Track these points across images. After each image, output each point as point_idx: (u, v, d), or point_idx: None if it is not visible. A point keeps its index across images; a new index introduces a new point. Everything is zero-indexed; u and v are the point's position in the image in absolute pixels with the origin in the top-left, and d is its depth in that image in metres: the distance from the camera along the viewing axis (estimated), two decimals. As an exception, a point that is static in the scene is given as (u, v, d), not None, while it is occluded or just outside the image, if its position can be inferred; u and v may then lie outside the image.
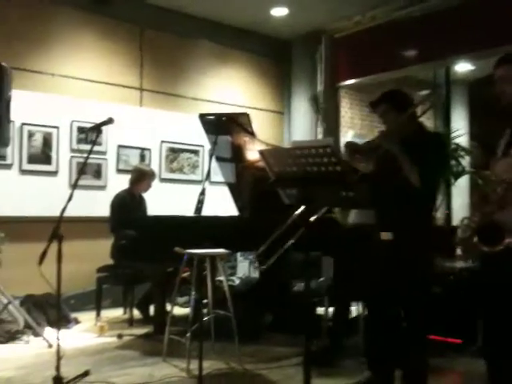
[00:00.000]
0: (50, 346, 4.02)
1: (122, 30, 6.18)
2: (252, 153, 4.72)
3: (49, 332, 4.36)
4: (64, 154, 5.64)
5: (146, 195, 5.26)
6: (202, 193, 4.18)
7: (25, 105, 5.22)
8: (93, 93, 5.91)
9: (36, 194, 5.39)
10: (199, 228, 4.01)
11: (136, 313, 4.96)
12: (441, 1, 5.94)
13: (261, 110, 7.26)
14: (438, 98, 7.53)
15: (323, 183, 2.34)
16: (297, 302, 4.60)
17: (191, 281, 3.87)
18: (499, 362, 2.51)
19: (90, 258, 5.13)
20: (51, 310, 4.64)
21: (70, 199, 3.15)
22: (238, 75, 7.20)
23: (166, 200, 5.78)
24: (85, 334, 4.59)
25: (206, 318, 3.67)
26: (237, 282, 5.70)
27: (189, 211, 4.38)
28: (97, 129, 3.55)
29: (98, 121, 3.59)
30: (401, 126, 2.96)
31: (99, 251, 5.09)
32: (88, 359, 3.81)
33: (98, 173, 5.84)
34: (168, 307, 4.56)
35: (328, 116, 7.19)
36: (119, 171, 5.95)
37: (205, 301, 3.81)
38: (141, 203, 5.18)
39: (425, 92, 7.06)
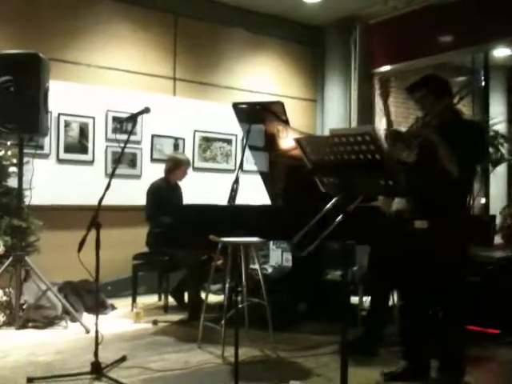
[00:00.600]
0: (88, 331, 4.11)
1: (157, 19, 6.20)
2: (285, 141, 4.71)
3: (86, 318, 4.46)
4: (99, 144, 5.73)
5: (180, 184, 5.30)
6: (236, 181, 4.21)
7: (62, 95, 5.30)
8: (127, 83, 5.97)
9: (73, 182, 5.50)
10: (233, 216, 4.04)
11: (170, 300, 5.03)
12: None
13: (293, 97, 7.21)
14: (475, 84, 7.35)
15: (362, 171, 2.31)
16: (332, 291, 4.60)
17: (224, 268, 3.90)
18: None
19: (125, 245, 5.21)
20: (88, 296, 4.75)
21: (107, 188, 3.21)
22: (271, 63, 7.16)
23: (199, 189, 5.81)
24: (121, 319, 4.67)
25: (240, 306, 3.68)
26: (269, 270, 5.72)
27: (221, 200, 4.40)
28: (133, 118, 3.60)
29: (133, 110, 3.64)
30: (439, 113, 2.90)
31: (134, 239, 5.17)
32: (125, 345, 3.87)
33: (132, 162, 5.91)
34: (202, 294, 4.62)
35: (362, 103, 7.09)
36: (153, 160, 6.01)
37: (238, 289, 3.82)
38: (177, 191, 5.24)
39: (462, 78, 6.89)
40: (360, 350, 3.48)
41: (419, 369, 3.14)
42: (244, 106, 4.78)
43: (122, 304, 5.07)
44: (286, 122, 4.62)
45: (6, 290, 4.38)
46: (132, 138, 5.60)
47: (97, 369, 3.12)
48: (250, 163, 5.20)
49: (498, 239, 4.58)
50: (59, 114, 5.48)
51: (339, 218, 2.28)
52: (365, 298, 4.54)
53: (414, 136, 2.83)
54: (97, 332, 3.15)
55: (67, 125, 5.56)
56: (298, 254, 2.41)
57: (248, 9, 6.77)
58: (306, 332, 4.23)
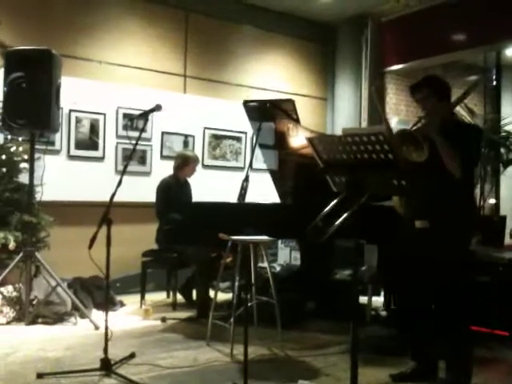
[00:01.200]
0: (97, 327, 4.13)
1: (167, 15, 6.21)
2: (295, 139, 4.70)
3: (95, 314, 4.48)
4: (110, 140, 5.74)
5: (190, 181, 5.31)
6: (246, 179, 4.20)
7: (73, 91, 5.32)
8: (138, 79, 5.98)
9: (83, 179, 5.52)
10: (242, 214, 4.03)
11: (179, 297, 5.04)
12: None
13: (303, 95, 7.19)
14: (485, 84, 7.29)
15: (374, 171, 2.30)
16: (341, 290, 4.59)
17: (233, 266, 3.89)
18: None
19: (134, 242, 5.22)
20: (98, 292, 4.77)
21: (119, 185, 3.22)
22: (282, 61, 7.15)
23: (208, 186, 5.82)
24: (130, 316, 4.68)
25: (250, 304, 3.68)
26: (278, 268, 5.72)
27: (231, 198, 4.40)
28: (145, 116, 3.60)
29: (143, 107, 3.64)
30: (439, 115, 2.91)
31: (143, 236, 5.18)
32: (133, 341, 3.89)
33: (142, 159, 5.93)
34: (210, 292, 4.62)
35: (373, 102, 7.06)
36: (163, 157, 6.02)
37: (248, 286, 3.82)
38: (186, 188, 5.25)
39: (473, 77, 6.85)
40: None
41: (427, 369, 3.13)
42: (254, 103, 4.78)
43: (131, 301, 5.09)
44: (297, 121, 4.61)
45: (16, 285, 4.40)
46: (142, 135, 5.69)
47: (106, 365, 3.13)
48: (259, 161, 5.19)
49: (508, 240, 4.54)
50: (70, 111, 5.49)
51: (354, 207, 2.28)
52: (374, 298, 4.53)
53: (423, 136, 2.82)
54: (106, 329, 3.16)
55: (78, 121, 5.58)
56: (315, 240, 2.39)
57: (259, 6, 6.76)
58: (314, 331, 4.22)
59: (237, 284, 3.72)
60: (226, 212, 4.14)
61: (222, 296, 5.02)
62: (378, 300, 4.72)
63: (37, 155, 4.47)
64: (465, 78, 7.12)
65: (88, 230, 3.13)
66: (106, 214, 3.14)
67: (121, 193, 3.25)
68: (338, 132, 5.18)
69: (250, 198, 4.21)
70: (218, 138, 6.49)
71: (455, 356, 3.00)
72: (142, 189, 5.56)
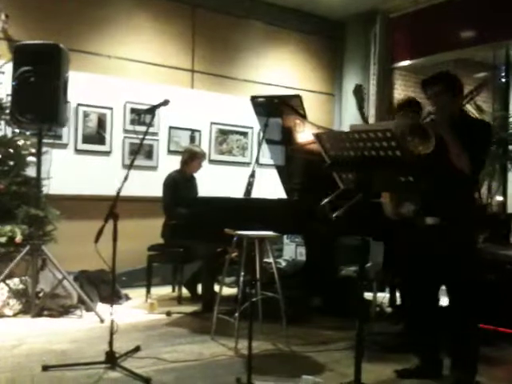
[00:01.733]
0: (102, 320, 4.15)
1: (175, 10, 6.20)
2: (302, 135, 4.69)
3: (101, 307, 4.50)
4: (117, 135, 5.76)
5: (196, 176, 5.31)
6: (252, 175, 4.20)
7: (80, 86, 5.34)
8: (145, 74, 5.99)
9: (90, 173, 5.54)
10: (248, 210, 4.03)
11: (184, 291, 5.06)
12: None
13: (311, 91, 7.17)
14: (496, 81, 7.24)
15: (382, 168, 2.30)
16: (346, 286, 4.59)
17: (238, 262, 3.90)
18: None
19: (140, 236, 5.23)
20: (103, 285, 4.80)
21: (125, 179, 3.23)
22: (290, 56, 7.13)
23: (215, 181, 5.83)
24: (135, 310, 4.70)
25: (255, 299, 3.69)
26: (283, 264, 5.73)
27: (237, 193, 4.40)
28: (152, 111, 3.60)
29: (151, 102, 3.65)
30: (451, 111, 2.89)
31: (150, 230, 5.20)
32: (139, 335, 3.91)
33: (149, 153, 5.94)
34: (216, 287, 4.63)
35: (381, 98, 7.03)
36: (170, 152, 6.03)
37: (253, 282, 3.83)
38: (192, 183, 5.26)
39: (482, 74, 6.80)
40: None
41: (432, 366, 3.13)
42: (262, 99, 4.77)
43: (137, 294, 5.11)
44: (304, 116, 4.61)
45: (23, 278, 4.43)
46: (149, 129, 5.71)
47: (111, 358, 3.14)
48: (266, 157, 5.19)
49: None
50: (78, 105, 5.51)
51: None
52: (379, 295, 4.52)
53: (431, 129, 2.80)
54: (112, 322, 3.17)
55: (86, 115, 5.60)
56: (329, 216, 2.39)
57: (266, 1, 6.74)
58: (319, 327, 4.22)
59: (242, 279, 3.73)
60: (231, 207, 4.15)
61: (228, 291, 5.03)
62: (383, 296, 4.71)
63: (44, 149, 4.49)
64: (474, 75, 7.07)
65: (95, 223, 3.15)
66: (112, 208, 3.15)
67: (127, 187, 3.26)
68: (346, 128, 5.16)
69: (256, 194, 4.21)
70: (224, 133, 6.49)
71: (463, 353, 2.99)
72: (149, 183, 5.58)
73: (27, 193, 4.59)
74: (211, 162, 6.30)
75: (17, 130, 4.71)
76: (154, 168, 5.94)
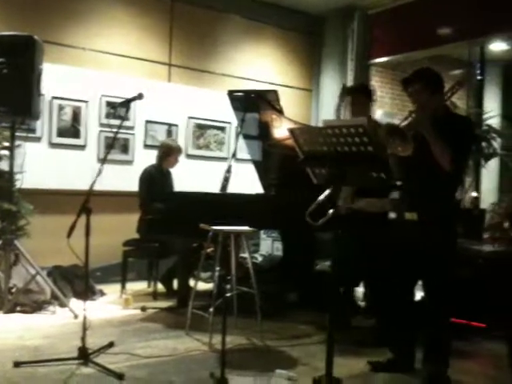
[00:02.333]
0: (76, 316, 4.11)
1: (153, 4, 6.14)
2: (279, 131, 4.69)
3: (75, 303, 4.45)
4: (92, 128, 5.68)
5: (173, 171, 5.28)
6: (228, 170, 4.19)
7: (55, 78, 5.26)
8: (122, 67, 5.92)
9: (64, 167, 5.46)
10: (225, 205, 4.03)
11: (160, 286, 5.03)
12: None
13: (289, 87, 7.18)
14: (471, 78, 7.33)
15: (355, 163, 2.31)
16: (322, 281, 4.61)
17: (215, 257, 3.89)
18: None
19: (116, 231, 5.20)
20: (77, 281, 4.75)
21: (99, 174, 3.20)
22: (268, 51, 7.12)
23: (192, 176, 5.79)
24: (110, 305, 4.67)
25: (229, 294, 3.69)
26: (259, 259, 5.74)
27: (214, 188, 4.39)
28: (126, 104, 3.57)
29: (127, 96, 3.61)
30: (432, 108, 2.90)
31: (125, 225, 5.16)
32: (113, 331, 3.88)
33: (125, 148, 5.88)
34: (191, 282, 4.62)
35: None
36: (146, 146, 5.97)
37: (228, 277, 3.83)
38: (168, 178, 5.22)
39: (458, 71, 6.88)
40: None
41: (405, 360, 3.17)
42: (239, 93, 4.76)
43: (112, 290, 5.06)
44: (281, 111, 4.61)
45: (-5, 273, 4.36)
46: (125, 123, 5.61)
47: (84, 354, 3.12)
48: (243, 152, 5.18)
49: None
50: (52, 98, 5.43)
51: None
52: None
53: (409, 130, 2.82)
54: (85, 318, 3.14)
55: (61, 108, 5.52)
56: (313, 224, 2.40)
57: (245, -5, 6.72)
58: (294, 321, 4.24)
59: (217, 274, 3.72)
60: (208, 202, 4.14)
61: (204, 286, 5.02)
62: (358, 291, 4.75)
63: (17, 142, 4.42)
64: (450, 72, 7.13)
65: (69, 218, 3.11)
66: (85, 203, 3.12)
67: (103, 182, 3.23)
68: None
69: (234, 189, 4.20)
70: (202, 128, 6.46)
71: (435, 347, 3.03)
72: (125, 178, 5.53)
73: (0, 187, 4.51)
74: (188, 156, 6.27)
75: (-11, 123, 4.62)
76: (129, 162, 5.88)
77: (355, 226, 3.34)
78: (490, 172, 6.98)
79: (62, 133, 5.52)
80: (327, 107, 7.21)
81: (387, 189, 3.10)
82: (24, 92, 4.12)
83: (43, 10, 5.42)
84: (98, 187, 3.22)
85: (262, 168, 5.15)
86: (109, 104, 5.69)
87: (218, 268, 3.71)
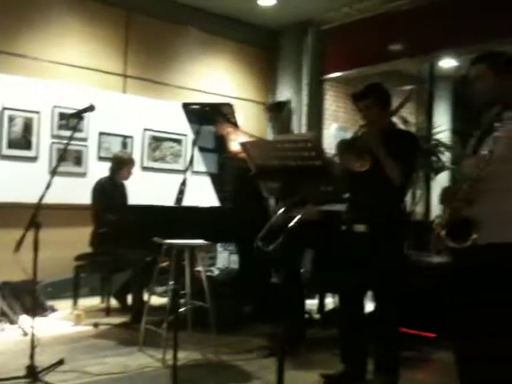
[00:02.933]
0: (26, 334, 3.98)
1: (108, 14, 6.08)
2: (235, 143, 4.71)
3: (24, 320, 4.32)
4: (44, 140, 5.56)
5: (128, 183, 5.21)
6: (183, 183, 4.16)
7: (6, 89, 5.13)
8: (76, 78, 5.83)
9: (15, 179, 5.31)
10: (180, 218, 4.00)
11: (113, 302, 4.94)
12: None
13: (246, 100, 7.22)
14: (420, 94, 7.55)
15: (304, 177, 2.35)
16: (278, 293, 4.62)
17: (169, 271, 3.85)
18: (464, 354, 2.56)
19: (69, 245, 5.07)
20: (27, 297, 4.58)
21: (48, 187, 3.13)
22: (224, 64, 7.15)
23: (147, 189, 5.72)
24: (61, 322, 4.55)
25: (183, 309, 3.66)
26: (216, 272, 5.71)
27: (170, 201, 4.35)
28: (77, 115, 3.52)
29: (80, 107, 3.56)
30: (382, 123, 2.98)
31: (78, 239, 5.03)
32: (63, 348, 3.78)
33: (78, 160, 5.76)
34: (146, 296, 4.55)
35: (312, 109, 7.18)
36: (100, 158, 5.87)
37: (183, 291, 3.80)
38: (121, 191, 5.14)
39: (409, 87, 7.07)
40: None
41: (357, 371, 3.20)
42: (194, 106, 4.76)
43: (63, 306, 4.92)
44: (236, 125, 4.63)
45: None
46: (78, 135, 5.59)
47: (32, 373, 3.03)
48: (200, 164, 5.17)
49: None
50: (3, 108, 5.29)
51: (300, 214, 2.31)
52: (308, 301, 4.59)
53: (361, 146, 2.88)
54: (33, 335, 3.06)
55: (11, 119, 5.38)
56: (264, 249, 2.42)
57: (203, 8, 6.73)
58: (250, 335, 4.22)
59: (170, 288, 3.69)
60: (162, 215, 4.10)
61: (159, 300, 4.95)
62: (313, 303, 4.79)
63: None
64: (401, 87, 7.33)
65: (20, 232, 3.04)
66: (33, 216, 3.04)
67: (55, 194, 3.17)
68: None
69: (192, 201, 4.18)
70: (158, 140, 6.41)
71: (386, 358, 3.08)
72: (78, 190, 5.42)
73: None
74: (144, 168, 6.21)
75: None
76: (82, 175, 5.77)
77: (308, 239, 3.39)
78: (440, 185, 7.19)
79: (12, 144, 5.38)
80: (284, 121, 7.27)
81: (334, 201, 3.15)
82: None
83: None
84: (49, 200, 3.15)
85: (218, 181, 5.15)
86: (61, 115, 5.59)
87: (171, 282, 3.67)
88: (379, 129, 2.94)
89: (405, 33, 6.24)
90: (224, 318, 3.98)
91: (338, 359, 3.27)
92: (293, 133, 4.15)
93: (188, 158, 6.12)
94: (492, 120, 2.43)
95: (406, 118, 6.11)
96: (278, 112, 4.03)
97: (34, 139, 5.49)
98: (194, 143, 4.50)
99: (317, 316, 4.74)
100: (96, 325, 4.38)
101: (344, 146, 2.82)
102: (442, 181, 6.81)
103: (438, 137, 6.58)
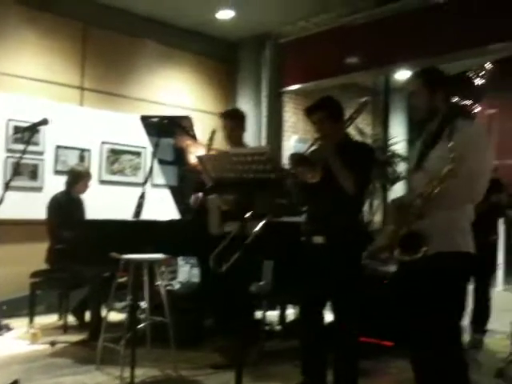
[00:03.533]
0: (-22, 354, 3.86)
1: (65, 27, 6.01)
2: (194, 156, 4.69)
3: (-22, 340, 4.19)
4: (-2, 154, 5.43)
5: (86, 197, 5.12)
6: (142, 196, 4.11)
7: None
8: (32, 91, 5.72)
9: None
10: (139, 232, 3.95)
11: (71, 319, 4.83)
12: (382, 10, 6.10)
13: (205, 112, 7.22)
14: (377, 105, 7.71)
15: (259, 190, 2.36)
16: (238, 306, 4.60)
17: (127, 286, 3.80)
18: (420, 361, 2.62)
19: (24, 261, 4.94)
20: (-19, 316, 4.46)
21: (0, 202, 3.05)
22: (183, 76, 7.14)
23: (106, 203, 5.64)
24: (17, 341, 4.42)
25: (141, 325, 3.60)
26: (177, 286, 5.65)
27: (130, 214, 4.30)
28: (31, 129, 3.45)
29: (36, 120, 3.49)
30: (335, 135, 3.03)
31: (34, 255, 4.90)
32: (18, 368, 3.68)
33: (34, 174, 5.64)
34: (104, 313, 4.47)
35: (272, 121, 7.23)
36: (57, 172, 5.75)
37: (142, 307, 3.75)
38: (78, 205, 5.04)
39: (366, 98, 7.20)
40: None
41: (316, 382, 3.21)
42: (152, 119, 4.73)
43: (19, 324, 4.78)
44: (194, 137, 4.62)
45: None
46: (34, 148, 5.48)
47: (-17, 396, 2.93)
48: (160, 177, 5.13)
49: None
50: (-46, 122, 5.15)
51: (255, 231, 2.32)
52: (269, 313, 4.59)
53: (316, 158, 2.92)
54: (-16, 356, 2.96)
55: (-37, 133, 5.23)
56: (217, 271, 2.42)
57: (161, 21, 6.72)
58: (210, 349, 4.18)
59: (128, 304, 3.63)
60: (120, 230, 4.04)
61: (119, 316, 4.86)
62: (274, 315, 4.79)
63: None
64: (359, 99, 7.46)
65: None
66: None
67: (10, 210, 3.10)
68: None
69: (152, 214, 4.13)
70: (116, 153, 6.34)
71: (344, 368, 3.10)
72: (33, 205, 5.29)
73: None
74: (102, 182, 6.12)
75: None
76: (39, 189, 5.64)
77: (267, 251, 3.40)
78: (396, 195, 7.31)
79: (-36, 159, 5.23)
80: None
81: (291, 214, 3.18)
82: None
83: None
84: (3, 215, 3.08)
85: (178, 193, 5.11)
86: (16, 128, 5.46)
87: (129, 298, 3.61)
88: (334, 141, 2.99)
89: (361, 46, 6.38)
90: (184, 333, 3.94)
91: (299, 371, 3.28)
92: (246, 144, 4.18)
93: (147, 171, 6.10)
94: (433, 135, 2.55)
95: (362, 129, 6.23)
96: (231, 119, 4.05)
97: (-13, 153, 5.35)
98: (153, 156, 4.47)
99: (278, 327, 4.74)
100: (53, 343, 4.28)
101: (296, 158, 2.87)
102: (398, 191, 6.96)
103: (393, 148, 6.72)
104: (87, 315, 4.82)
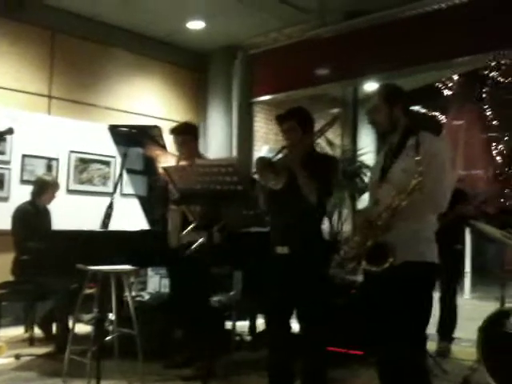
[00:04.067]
0: None
1: (33, 34, 5.95)
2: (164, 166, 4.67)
3: None
4: (-37, 163, 5.32)
5: (53, 207, 5.04)
6: (110, 206, 4.08)
7: None
8: (-1, 99, 5.64)
9: None
10: (106, 242, 3.91)
11: (38, 331, 4.74)
12: (350, 23, 6.21)
13: (176, 121, 7.15)
14: (346, 116, 7.79)
15: (226, 201, 2.37)
16: (209, 317, 4.58)
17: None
18: (385, 368, 2.66)
19: (-12, 273, 4.84)
20: None
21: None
22: (154, 86, 7.12)
23: (74, 213, 5.56)
24: (-20, 355, 4.32)
25: (109, 338, 3.55)
26: (146, 297, 5.59)
27: (99, 225, 4.25)
28: (-4, 138, 3.40)
29: (1, 129, 3.44)
30: (303, 146, 3.06)
31: (0, 266, 4.81)
32: (-19, 383, 3.59)
33: (0, 183, 5.54)
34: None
35: (242, 131, 7.26)
36: (24, 182, 5.67)
37: (111, 318, 3.70)
38: (45, 216, 4.96)
39: (336, 110, 7.31)
40: None
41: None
42: (121, 128, 4.69)
43: (-17, 337, 4.68)
44: (164, 147, 4.60)
45: None
46: (0, 158, 5.37)
47: None
48: (129, 186, 5.09)
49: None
50: None
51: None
52: (239, 323, 4.58)
53: (282, 166, 2.95)
54: None
55: None
56: (182, 254, 2.41)
57: (131, 30, 6.71)
58: (178, 361, 4.14)
59: (95, 316, 3.58)
60: (88, 240, 3.99)
61: (86, 328, 4.78)
62: (244, 325, 4.79)
63: None
64: (329, 110, 7.55)
65: None
66: None
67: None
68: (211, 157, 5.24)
69: (121, 225, 4.09)
70: (85, 162, 6.27)
71: (313, 378, 3.11)
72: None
73: None
74: (70, 192, 6.04)
75: None
76: (5, 199, 5.54)
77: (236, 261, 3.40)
78: (364, 205, 7.38)
79: None
80: (215, 142, 7.32)
81: (258, 224, 3.19)
82: None
83: None
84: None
85: (147, 203, 5.08)
86: (-19, 138, 5.36)
87: (96, 310, 3.57)
88: (301, 151, 3.02)
89: (330, 58, 6.47)
90: (152, 345, 3.90)
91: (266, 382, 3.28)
92: (202, 154, 4.18)
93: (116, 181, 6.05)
94: (395, 147, 2.61)
95: (331, 140, 6.30)
96: (181, 134, 4.04)
97: (-50, 162, 5.24)
98: (122, 166, 4.43)
99: (248, 338, 4.74)
100: (18, 356, 4.19)
101: (263, 162, 2.89)
102: (366, 200, 7.05)
103: (362, 158, 6.80)
104: (54, 327, 4.74)
